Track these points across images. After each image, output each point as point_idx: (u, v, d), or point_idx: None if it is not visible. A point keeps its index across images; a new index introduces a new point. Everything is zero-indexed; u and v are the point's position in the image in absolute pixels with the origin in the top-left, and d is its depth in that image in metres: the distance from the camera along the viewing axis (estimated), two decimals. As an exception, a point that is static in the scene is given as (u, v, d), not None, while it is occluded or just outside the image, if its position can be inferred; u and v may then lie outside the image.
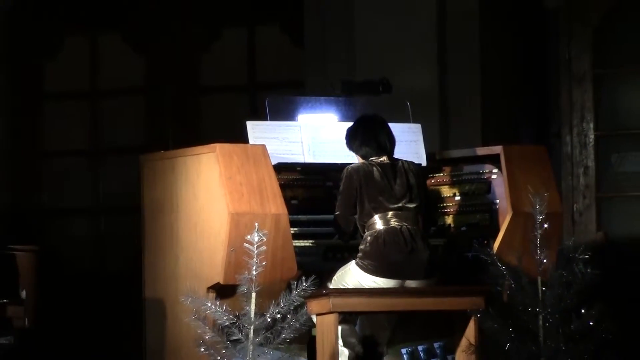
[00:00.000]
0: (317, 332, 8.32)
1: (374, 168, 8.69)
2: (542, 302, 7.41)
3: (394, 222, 8.56)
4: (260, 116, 9.36)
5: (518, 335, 7.36)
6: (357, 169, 8.70)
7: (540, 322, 7.41)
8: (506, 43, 10.66)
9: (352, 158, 8.87)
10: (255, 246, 7.72)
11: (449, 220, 9.20)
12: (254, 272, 7.71)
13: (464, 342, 8.50)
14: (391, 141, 8.77)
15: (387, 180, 8.70)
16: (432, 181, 9.24)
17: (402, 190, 8.68)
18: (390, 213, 8.60)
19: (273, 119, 9.24)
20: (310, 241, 8.79)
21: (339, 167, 8.93)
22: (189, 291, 8.10)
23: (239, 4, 10.96)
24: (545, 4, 10.51)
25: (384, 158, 8.76)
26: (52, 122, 11.41)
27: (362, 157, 8.82)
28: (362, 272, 8.47)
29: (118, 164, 10.76)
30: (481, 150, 9.31)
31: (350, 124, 8.97)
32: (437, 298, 8.54)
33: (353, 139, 8.79)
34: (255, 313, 7.76)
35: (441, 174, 9.26)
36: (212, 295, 8.31)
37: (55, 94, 11.38)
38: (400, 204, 8.61)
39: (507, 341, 7.44)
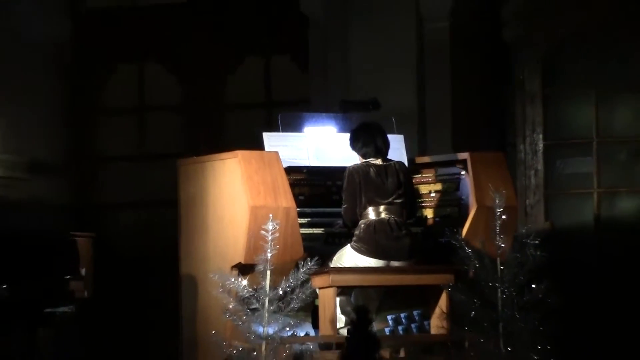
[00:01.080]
0: (320, 302, 8.45)
1: (371, 168, 8.71)
2: (501, 279, 7.42)
3: (383, 214, 8.65)
4: (274, 128, 9.37)
5: (481, 305, 7.40)
6: (357, 169, 8.72)
7: (499, 294, 7.43)
8: (472, 68, 10.62)
9: (348, 162, 8.87)
10: (269, 233, 7.88)
11: (426, 212, 9.24)
12: (269, 254, 7.86)
13: (437, 311, 8.64)
14: (386, 145, 8.82)
15: (381, 179, 8.71)
16: (413, 181, 9.18)
17: (393, 187, 8.72)
18: (382, 207, 8.66)
19: (284, 130, 9.31)
20: (314, 229, 8.90)
21: (337, 170, 9.05)
22: (217, 269, 8.33)
23: (258, 38, 10.97)
24: (504, 37, 10.53)
25: (380, 160, 8.76)
26: (106, 132, 11.43)
27: (362, 156, 8.82)
28: (356, 253, 8.56)
29: (159, 167, 10.73)
30: (451, 156, 9.33)
31: (346, 135, 9.06)
32: (416, 275, 8.67)
33: (356, 141, 8.83)
34: (269, 287, 7.86)
35: (419, 175, 9.29)
36: (235, 272, 8.31)
37: (109, 110, 11.37)
38: (390, 199, 8.68)
39: (472, 310, 7.47)
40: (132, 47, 11.34)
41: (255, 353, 7.94)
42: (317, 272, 8.15)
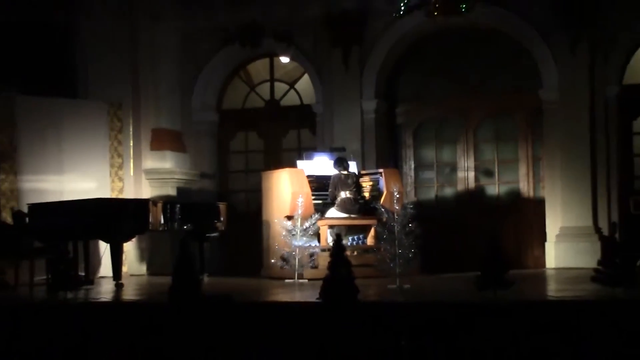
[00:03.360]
0: (320, 231, 8.46)
1: (342, 175, 8.66)
2: (396, 222, 7.26)
3: (348, 195, 8.63)
4: (302, 159, 9.33)
5: (389, 233, 7.26)
6: (336, 176, 8.69)
7: (396, 228, 7.26)
8: (385, 135, 10.24)
9: (331, 173, 8.83)
10: (300, 202, 8.23)
11: (365, 194, 9.01)
12: (299, 211, 8.23)
13: (370, 235, 8.63)
14: (348, 165, 8.76)
15: (347, 180, 8.65)
16: (360, 181, 9.07)
17: (351, 184, 8.66)
18: (347, 192, 8.63)
19: (306, 159, 9.25)
20: (318, 201, 8.80)
21: (327, 177, 8.87)
22: (278, 217, 8.61)
23: (295, 123, 10.64)
24: (397, 121, 10.25)
25: (346, 172, 8.68)
26: (232, 161, 10.96)
27: (338, 170, 8.69)
28: (336, 211, 8.64)
29: (254, 175, 10.27)
30: (376, 170, 9.24)
31: (332, 161, 9.03)
32: (361, 220, 8.66)
33: (336, 164, 8.74)
34: (299, 224, 8.19)
35: (362, 178, 9.07)
36: (285, 219, 8.40)
37: (233, 151, 10.91)
38: (350, 189, 8.65)
39: (385, 234, 7.37)
40: (241, 124, 10.92)
41: (293, 253, 8.16)
42: (320, 219, 8.40)
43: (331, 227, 8.58)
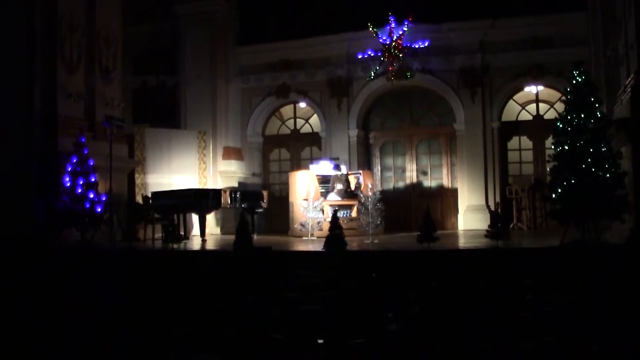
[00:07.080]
0: (324, 208, 8.07)
1: (338, 175, 8.32)
2: (371, 202, 7.01)
3: (341, 187, 8.24)
4: (312, 164, 9.04)
5: (365, 209, 6.98)
6: (335, 175, 8.32)
7: (370, 206, 6.98)
8: (364, 149, 9.92)
9: (331, 173, 8.52)
10: (311, 191, 8.01)
11: (351, 185, 8.57)
12: (311, 196, 7.98)
13: (354, 211, 8.18)
14: (341, 169, 8.46)
15: (341, 178, 8.28)
16: (347, 178, 8.47)
17: (344, 180, 8.28)
18: (341, 185, 8.24)
19: (315, 164, 9.01)
20: (322, 190, 8.45)
21: (328, 176, 8.51)
22: (299, 199, 8.35)
23: (308, 143, 10.25)
24: (369, 141, 9.88)
25: (340, 173, 8.34)
26: (271, 167, 10.58)
27: (336, 172, 8.35)
28: (334, 195, 8.27)
29: (284, 175, 9.96)
30: (358, 171, 8.91)
31: (333, 165, 8.76)
32: (348, 201, 8.23)
33: (334, 169, 8.42)
34: (311, 203, 7.93)
35: (349, 176, 8.68)
36: (304, 200, 8.16)
37: (272, 160, 10.50)
38: (343, 183, 8.26)
39: (362, 210, 7.10)
40: (276, 144, 10.55)
41: (307, 221, 7.95)
42: (323, 201, 8.09)
43: (331, 205, 8.33)
